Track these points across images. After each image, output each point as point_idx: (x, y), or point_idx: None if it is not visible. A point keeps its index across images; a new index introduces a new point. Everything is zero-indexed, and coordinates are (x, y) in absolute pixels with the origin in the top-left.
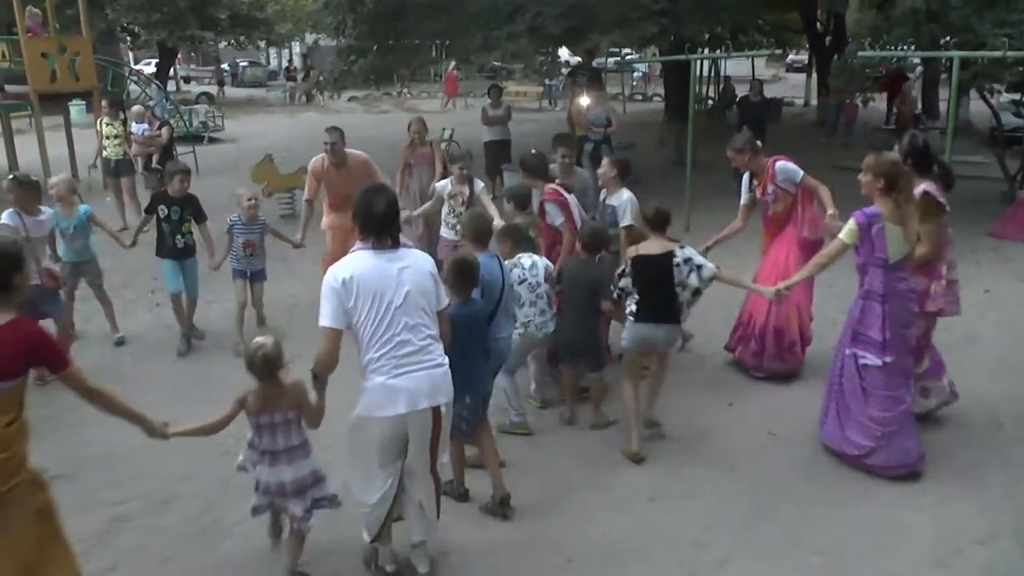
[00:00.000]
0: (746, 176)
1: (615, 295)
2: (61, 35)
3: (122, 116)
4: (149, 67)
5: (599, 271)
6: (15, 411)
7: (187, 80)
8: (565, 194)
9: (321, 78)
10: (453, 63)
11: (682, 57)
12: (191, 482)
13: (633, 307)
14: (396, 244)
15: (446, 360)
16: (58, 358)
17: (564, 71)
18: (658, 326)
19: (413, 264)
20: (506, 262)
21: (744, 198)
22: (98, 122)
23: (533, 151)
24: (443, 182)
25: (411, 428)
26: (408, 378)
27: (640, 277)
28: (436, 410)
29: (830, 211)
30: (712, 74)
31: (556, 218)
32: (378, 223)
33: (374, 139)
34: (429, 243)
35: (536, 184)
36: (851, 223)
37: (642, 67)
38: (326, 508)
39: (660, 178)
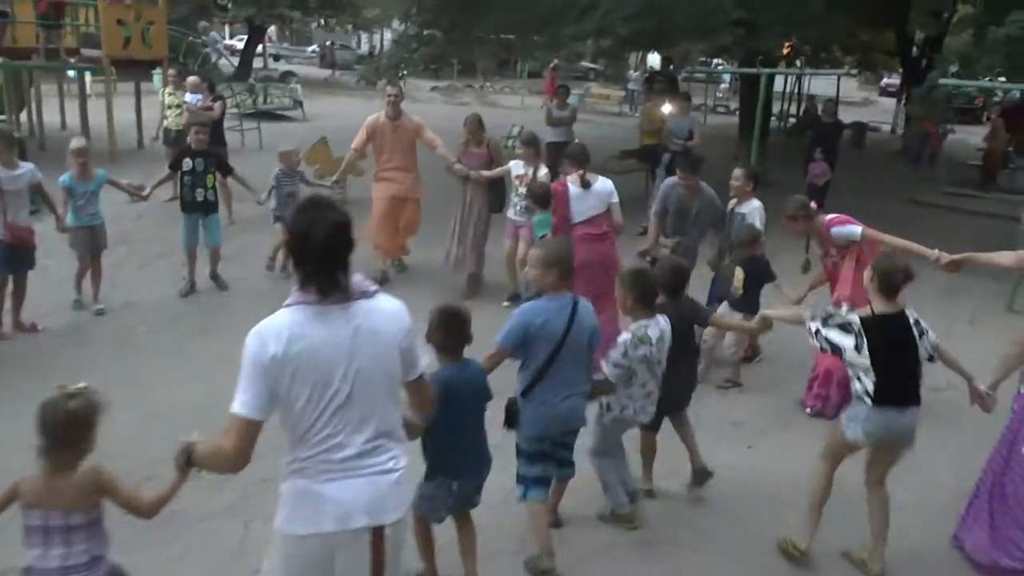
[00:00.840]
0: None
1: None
2: (141, 4)
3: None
4: (240, 44)
5: (687, 307)
6: None
7: (276, 58)
8: (572, 186)
9: (381, 64)
10: (555, 61)
11: (752, 70)
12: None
13: (869, 386)
14: (347, 289)
15: (401, 464)
16: None
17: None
18: (903, 411)
19: (371, 322)
20: (631, 335)
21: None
22: (161, 92)
23: (577, 141)
24: (513, 161)
25: (339, 555)
26: (342, 486)
27: (877, 345)
28: (378, 531)
29: (934, 255)
30: (796, 91)
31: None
32: (322, 260)
33: (446, 130)
34: (464, 221)
35: (570, 172)
36: None
37: (727, 78)
38: None
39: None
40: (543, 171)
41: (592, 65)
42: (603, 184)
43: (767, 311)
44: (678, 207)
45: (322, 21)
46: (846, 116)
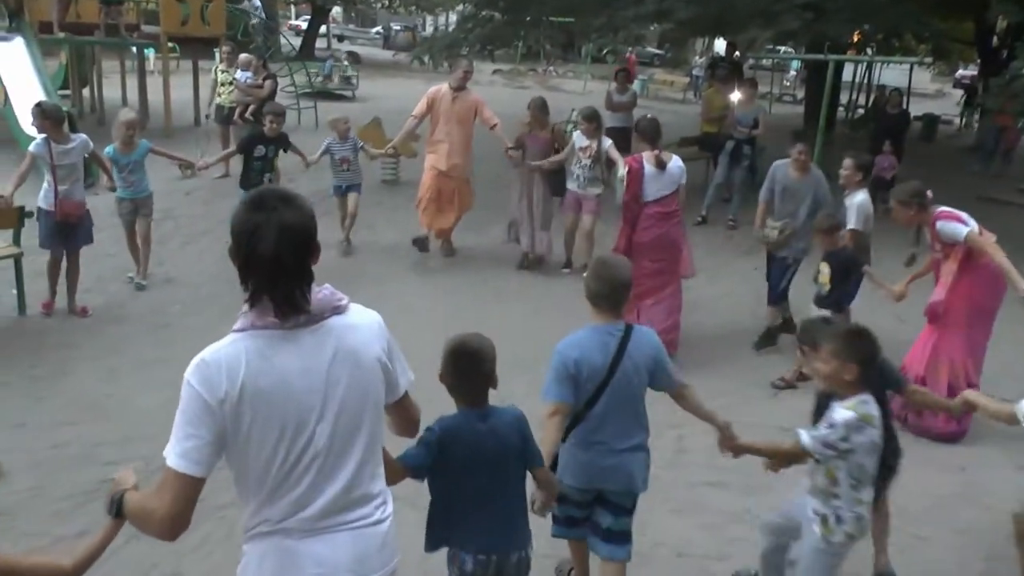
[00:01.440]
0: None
1: None
2: None
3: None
4: (304, 24)
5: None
6: None
7: (341, 39)
8: (648, 164)
9: (434, 44)
10: (628, 49)
11: (819, 57)
12: None
13: None
14: (308, 312)
15: (389, 510)
16: None
17: (697, 61)
18: None
19: (349, 343)
20: (854, 414)
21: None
22: (214, 69)
23: (649, 115)
24: (576, 133)
25: None
26: (322, 541)
27: None
28: None
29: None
30: (864, 81)
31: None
32: (271, 274)
33: (507, 115)
34: (530, 205)
35: (641, 148)
36: None
37: (795, 65)
38: None
39: None
40: (607, 142)
41: (656, 51)
42: (676, 163)
43: (973, 396)
44: (785, 188)
45: (386, 2)
46: (918, 108)
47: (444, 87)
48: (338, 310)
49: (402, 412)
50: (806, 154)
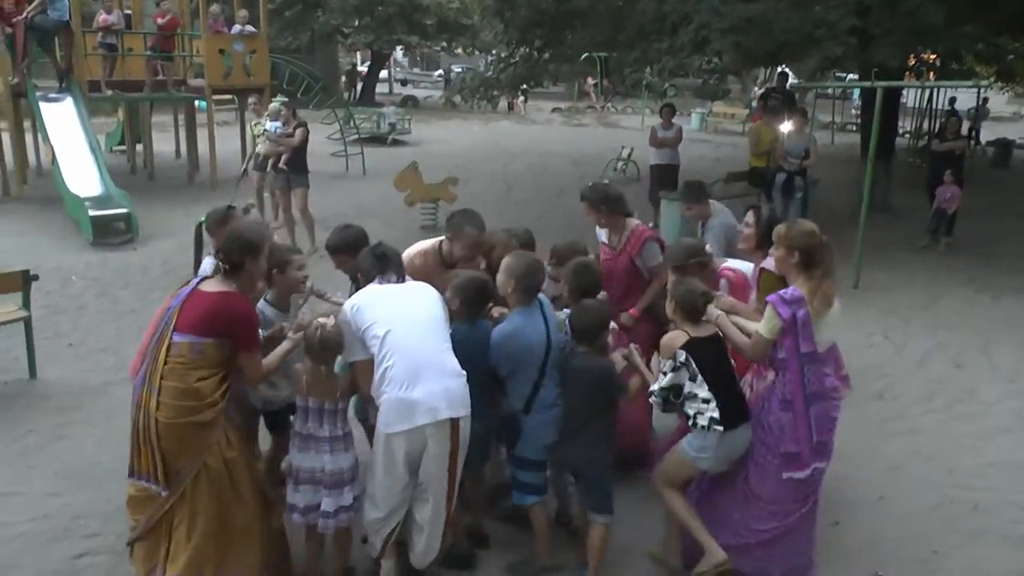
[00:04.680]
0: None
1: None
2: (252, 36)
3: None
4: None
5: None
6: (210, 367)
7: (404, 83)
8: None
9: (462, 86)
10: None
11: (866, 84)
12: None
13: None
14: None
15: (463, 372)
16: (249, 340)
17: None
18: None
19: (414, 287)
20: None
21: None
22: (250, 124)
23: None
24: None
25: (429, 441)
26: (425, 389)
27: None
28: (455, 423)
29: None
30: (927, 106)
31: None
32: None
33: (562, 154)
34: None
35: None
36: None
37: (855, 94)
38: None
39: (847, 222)
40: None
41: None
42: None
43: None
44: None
45: (444, 45)
46: (992, 132)
47: (434, 254)
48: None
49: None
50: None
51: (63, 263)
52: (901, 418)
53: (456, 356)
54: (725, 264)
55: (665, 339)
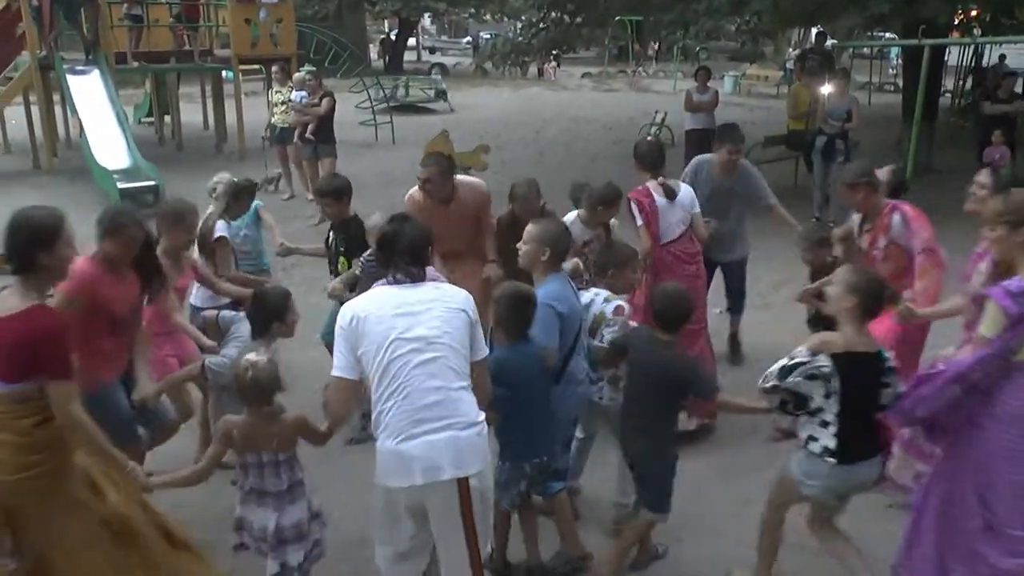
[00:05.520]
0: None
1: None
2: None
3: (289, 84)
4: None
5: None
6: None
7: (432, 51)
8: (656, 194)
9: (492, 52)
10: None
11: (912, 42)
12: None
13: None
14: (418, 275)
15: (481, 417)
16: (57, 364)
17: (791, 53)
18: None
19: (434, 292)
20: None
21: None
22: (269, 90)
23: (649, 138)
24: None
25: (430, 502)
26: (424, 442)
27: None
28: (463, 482)
29: None
30: (972, 64)
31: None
32: (399, 253)
33: (594, 119)
34: None
35: (643, 177)
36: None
37: (895, 52)
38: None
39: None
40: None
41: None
42: (686, 193)
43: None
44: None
45: (472, 12)
46: None
47: (419, 196)
48: (434, 281)
49: (477, 373)
50: (736, 153)
51: (94, 236)
52: None
53: (495, 383)
54: None
55: (818, 338)
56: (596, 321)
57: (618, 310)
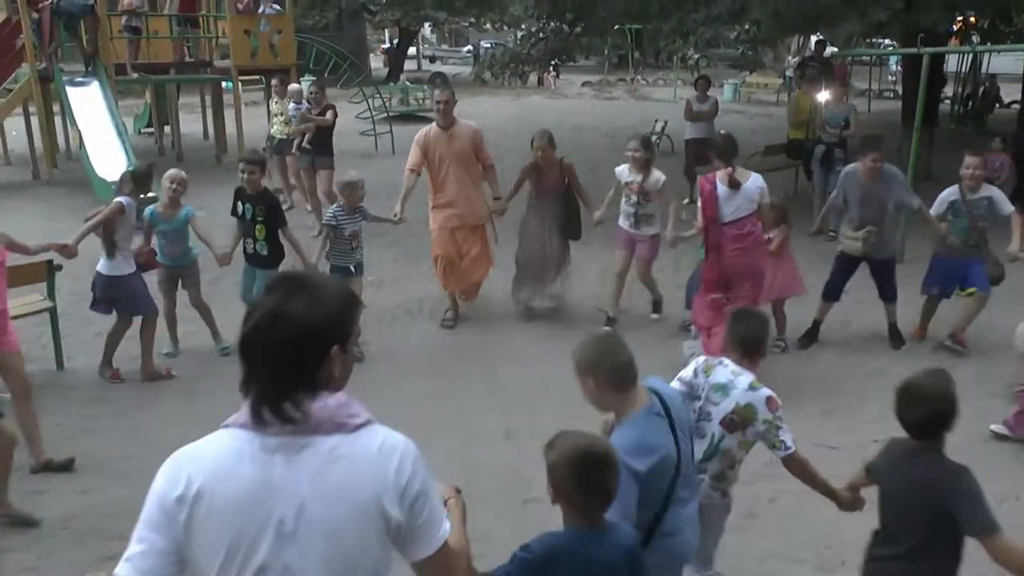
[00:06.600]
0: None
1: None
2: (278, 16)
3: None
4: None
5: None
6: None
7: (432, 59)
8: (720, 183)
9: (491, 61)
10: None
11: (912, 51)
12: None
13: None
14: (296, 418)
15: None
16: None
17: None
18: None
19: (332, 467)
20: None
21: None
22: (270, 101)
23: (723, 131)
24: (620, 167)
25: None
26: None
27: None
28: None
29: None
30: (970, 71)
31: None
32: (251, 366)
33: (593, 127)
34: (544, 255)
35: (718, 166)
36: None
37: (894, 59)
38: None
39: None
40: (660, 178)
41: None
42: (753, 183)
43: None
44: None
45: (472, 20)
46: None
47: (432, 127)
48: (342, 428)
49: (438, 571)
50: (879, 161)
51: (93, 248)
52: None
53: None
54: None
55: None
56: (740, 415)
57: (771, 403)
